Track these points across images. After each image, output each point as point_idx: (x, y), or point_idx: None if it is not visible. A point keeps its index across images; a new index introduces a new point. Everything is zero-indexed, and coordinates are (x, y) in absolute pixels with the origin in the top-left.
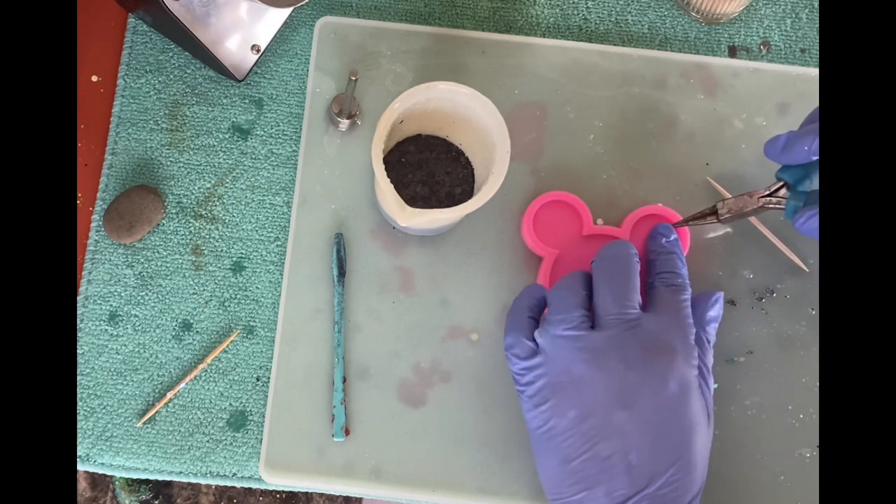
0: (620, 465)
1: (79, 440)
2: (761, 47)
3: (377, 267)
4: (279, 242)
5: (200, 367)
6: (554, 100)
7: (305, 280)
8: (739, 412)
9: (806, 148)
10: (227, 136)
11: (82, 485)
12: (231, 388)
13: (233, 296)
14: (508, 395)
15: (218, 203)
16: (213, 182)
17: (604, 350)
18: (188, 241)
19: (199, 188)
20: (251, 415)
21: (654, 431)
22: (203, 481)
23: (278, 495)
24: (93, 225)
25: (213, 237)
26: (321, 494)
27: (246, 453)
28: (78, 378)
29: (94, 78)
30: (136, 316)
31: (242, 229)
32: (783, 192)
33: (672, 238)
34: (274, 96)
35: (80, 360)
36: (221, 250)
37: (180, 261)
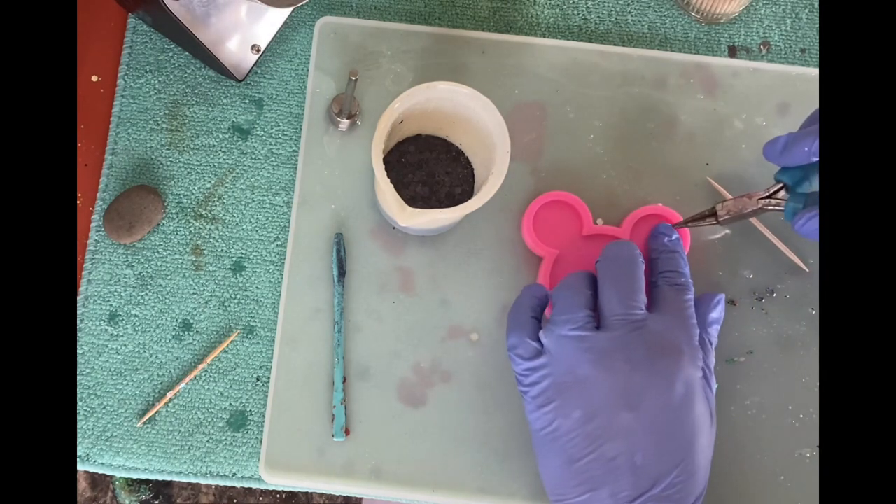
0: (626, 467)
1: (79, 440)
2: (761, 47)
3: (377, 267)
4: (279, 242)
5: (200, 367)
6: (554, 100)
7: (305, 280)
8: (739, 412)
9: (806, 149)
10: (227, 136)
11: (82, 485)
12: (231, 388)
13: (233, 296)
14: (508, 395)
15: (218, 203)
16: (213, 182)
17: (610, 351)
18: (188, 241)
19: (199, 188)
20: (251, 415)
21: (660, 432)
22: (203, 481)
23: (278, 495)
24: (93, 225)
25: (213, 237)
26: (321, 494)
27: (246, 453)
28: (78, 378)
29: (94, 78)
30: (136, 316)
31: (242, 229)
32: (782, 193)
33: (674, 237)
34: (274, 96)
35: (80, 360)
36: (221, 250)
37: (180, 261)
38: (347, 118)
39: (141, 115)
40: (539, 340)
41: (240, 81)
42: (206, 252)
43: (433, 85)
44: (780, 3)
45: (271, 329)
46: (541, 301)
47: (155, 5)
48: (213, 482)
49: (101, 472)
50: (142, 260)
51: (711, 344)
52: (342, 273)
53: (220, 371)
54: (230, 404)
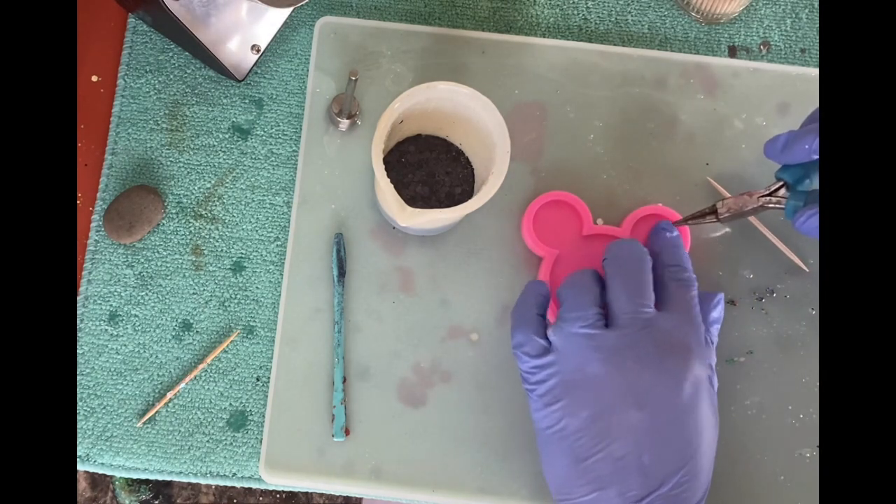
0: (634, 466)
1: (79, 440)
2: (761, 47)
3: (377, 267)
4: (279, 242)
5: (200, 367)
6: (554, 100)
7: (305, 280)
8: (739, 412)
9: (806, 147)
10: (227, 136)
11: (82, 485)
12: (231, 388)
13: (233, 296)
14: (508, 395)
15: (218, 203)
16: (213, 182)
17: (620, 349)
18: (188, 241)
19: (199, 188)
20: (251, 415)
21: (668, 432)
22: (203, 481)
23: (278, 495)
24: (93, 225)
25: (213, 237)
26: (321, 494)
27: (246, 453)
28: (78, 378)
29: (94, 78)
30: (136, 316)
31: (242, 229)
32: (783, 191)
33: (675, 234)
34: (274, 96)
35: (80, 360)
36: (221, 250)
37: (180, 261)
38: (347, 118)
39: (141, 115)
40: (546, 338)
41: (240, 81)
42: (206, 252)
43: (433, 85)
44: (780, 3)
45: (271, 329)
46: (545, 298)
47: (155, 5)
48: (213, 482)
49: (101, 472)
50: (142, 260)
51: (713, 343)
52: (342, 273)
53: (220, 371)
54: (230, 404)
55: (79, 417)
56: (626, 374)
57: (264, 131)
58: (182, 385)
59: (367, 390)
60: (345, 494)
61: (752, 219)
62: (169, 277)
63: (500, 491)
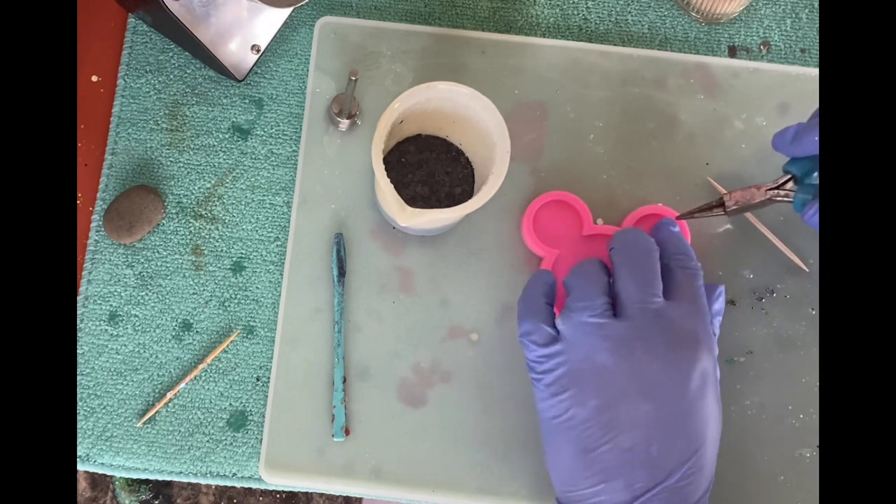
0: (641, 457)
1: (79, 440)
2: (761, 47)
3: (377, 267)
4: (279, 242)
5: (200, 367)
6: (554, 100)
7: (305, 280)
8: (739, 412)
9: (816, 139)
10: (227, 136)
11: (82, 485)
12: (231, 388)
13: (233, 296)
14: (508, 395)
15: (218, 203)
16: (213, 182)
17: (629, 339)
18: (188, 241)
19: (199, 188)
20: (251, 415)
21: (676, 423)
22: (203, 481)
23: (278, 495)
24: (93, 225)
25: (213, 237)
26: (321, 494)
27: (246, 453)
28: (78, 378)
29: (94, 78)
30: (136, 316)
31: (242, 229)
32: (790, 185)
33: (677, 229)
34: (274, 96)
35: (80, 360)
36: (221, 250)
37: (180, 261)
38: (347, 118)
39: (141, 115)
40: (554, 327)
41: (240, 81)
42: (206, 252)
43: (433, 85)
44: (780, 3)
45: (271, 329)
46: (553, 287)
47: (155, 5)
48: (213, 482)
49: (101, 472)
50: (142, 260)
51: (715, 335)
52: (342, 273)
53: (220, 371)
54: (230, 404)
55: (79, 417)
56: (635, 364)
57: (264, 131)
58: (182, 385)
59: (367, 390)
60: (345, 494)
61: (752, 219)
62: (169, 277)
63: (500, 491)
